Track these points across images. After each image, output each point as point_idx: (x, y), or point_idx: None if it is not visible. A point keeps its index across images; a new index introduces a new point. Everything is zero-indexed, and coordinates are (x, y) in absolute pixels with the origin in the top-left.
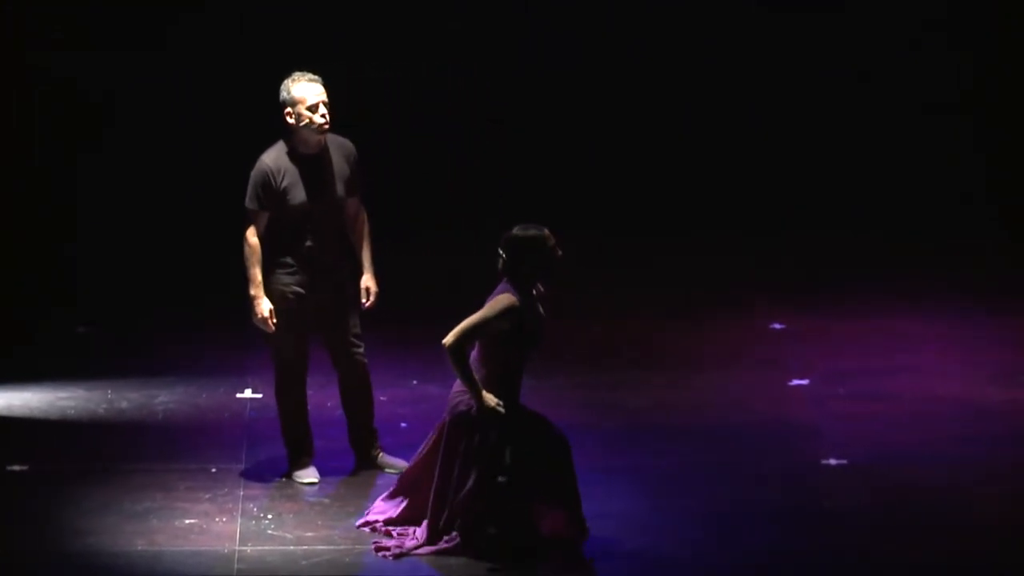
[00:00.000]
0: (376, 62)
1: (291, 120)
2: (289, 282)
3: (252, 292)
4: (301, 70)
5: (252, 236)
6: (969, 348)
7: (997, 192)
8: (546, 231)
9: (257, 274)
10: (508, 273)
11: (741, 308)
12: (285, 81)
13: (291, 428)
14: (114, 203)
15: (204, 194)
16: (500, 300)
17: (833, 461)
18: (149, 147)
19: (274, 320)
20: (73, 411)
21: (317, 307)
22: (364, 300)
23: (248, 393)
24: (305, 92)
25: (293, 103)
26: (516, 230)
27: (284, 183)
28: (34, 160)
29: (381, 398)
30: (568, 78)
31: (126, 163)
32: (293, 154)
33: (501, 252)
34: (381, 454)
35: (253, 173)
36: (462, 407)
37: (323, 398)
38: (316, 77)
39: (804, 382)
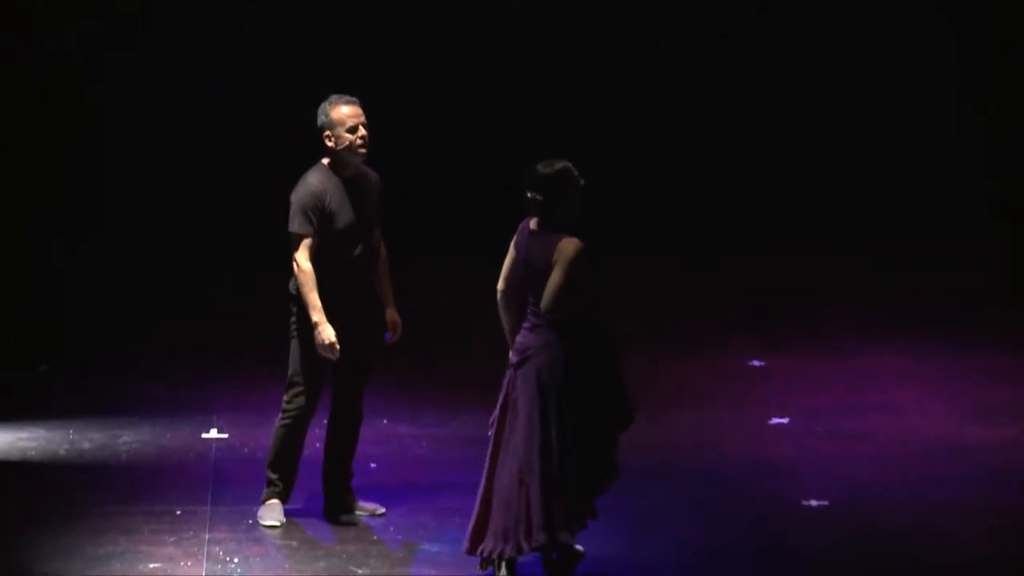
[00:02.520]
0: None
1: (330, 143)
2: (330, 310)
3: (315, 318)
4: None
5: (305, 261)
6: (948, 385)
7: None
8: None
9: (316, 299)
10: (546, 212)
11: (719, 345)
12: (323, 105)
13: (283, 456)
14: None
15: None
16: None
17: (814, 502)
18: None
19: (338, 346)
20: (34, 452)
21: (345, 334)
22: (392, 333)
23: (214, 433)
24: (344, 114)
25: (332, 125)
26: (542, 167)
27: (332, 205)
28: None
29: None
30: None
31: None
32: (335, 176)
33: (535, 194)
34: (353, 496)
35: (300, 196)
36: (533, 370)
37: None
38: (353, 99)
39: (783, 420)
